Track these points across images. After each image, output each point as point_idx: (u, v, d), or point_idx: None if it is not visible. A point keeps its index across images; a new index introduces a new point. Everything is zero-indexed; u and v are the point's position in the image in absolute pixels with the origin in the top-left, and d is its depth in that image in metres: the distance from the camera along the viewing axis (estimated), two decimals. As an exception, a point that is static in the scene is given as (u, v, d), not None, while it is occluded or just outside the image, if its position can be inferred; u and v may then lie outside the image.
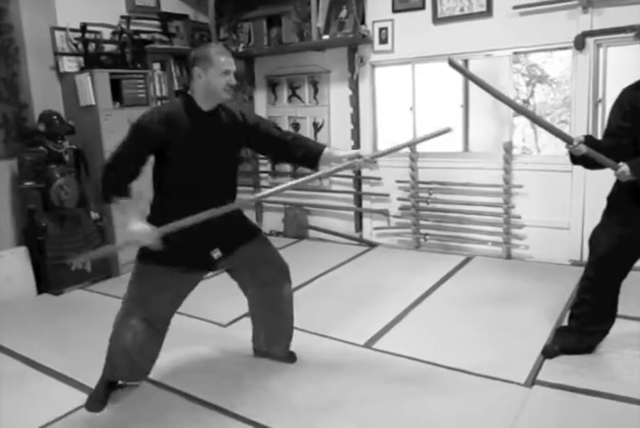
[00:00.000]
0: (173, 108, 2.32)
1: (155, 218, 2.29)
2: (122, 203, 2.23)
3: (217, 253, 2.42)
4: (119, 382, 2.58)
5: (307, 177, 2.41)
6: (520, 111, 2.63)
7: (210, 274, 2.68)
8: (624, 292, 2.67)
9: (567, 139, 2.42)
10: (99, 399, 2.49)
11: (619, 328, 2.76)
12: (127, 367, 2.46)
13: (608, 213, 2.64)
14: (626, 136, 2.47)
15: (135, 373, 2.53)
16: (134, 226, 2.18)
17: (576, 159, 2.50)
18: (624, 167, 2.38)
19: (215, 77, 2.25)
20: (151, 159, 2.32)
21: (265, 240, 2.67)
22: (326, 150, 2.47)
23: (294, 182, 2.48)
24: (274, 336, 2.79)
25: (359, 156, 2.38)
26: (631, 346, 2.77)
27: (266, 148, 2.57)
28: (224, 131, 2.38)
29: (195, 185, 2.33)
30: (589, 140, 2.45)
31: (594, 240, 2.64)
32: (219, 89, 2.27)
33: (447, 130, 2.38)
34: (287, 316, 2.77)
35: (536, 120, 2.58)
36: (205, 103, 2.32)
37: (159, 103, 4.73)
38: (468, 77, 2.48)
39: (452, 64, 2.40)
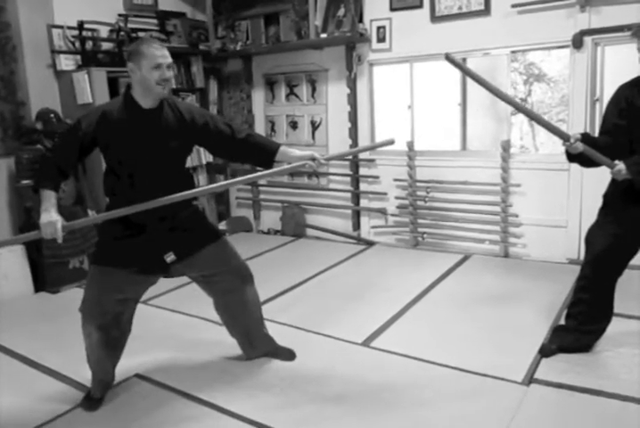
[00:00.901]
0: (112, 105, 2.30)
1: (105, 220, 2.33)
2: (43, 194, 2.18)
3: (170, 257, 2.36)
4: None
5: (255, 175, 2.43)
6: (517, 107, 2.62)
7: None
8: (620, 291, 2.68)
9: (564, 136, 2.42)
10: (93, 398, 2.48)
11: (615, 327, 2.77)
12: (95, 373, 2.49)
13: (603, 212, 2.64)
14: (621, 135, 2.48)
15: (101, 382, 2.51)
16: (42, 217, 2.14)
17: (572, 156, 2.50)
18: (620, 165, 2.38)
19: (148, 71, 2.18)
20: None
21: (221, 243, 2.53)
22: (282, 149, 2.39)
23: (237, 179, 2.51)
24: (250, 340, 2.76)
25: (313, 158, 2.34)
26: (628, 345, 2.78)
27: (218, 148, 2.46)
28: (164, 129, 2.29)
29: (133, 185, 2.28)
30: (586, 137, 2.45)
31: (590, 239, 2.65)
32: (152, 84, 2.19)
33: (391, 141, 2.46)
34: (256, 319, 2.74)
35: (533, 117, 2.59)
36: (144, 100, 2.25)
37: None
38: (465, 72, 2.49)
39: (449, 59, 2.40)
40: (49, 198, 2.17)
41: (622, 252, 2.58)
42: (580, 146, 2.38)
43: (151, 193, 2.24)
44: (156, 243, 2.34)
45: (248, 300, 2.64)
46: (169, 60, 2.25)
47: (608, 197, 2.63)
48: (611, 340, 2.77)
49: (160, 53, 2.21)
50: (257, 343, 2.78)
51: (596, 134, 2.66)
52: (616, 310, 2.70)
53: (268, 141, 2.48)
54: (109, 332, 2.39)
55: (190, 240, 2.42)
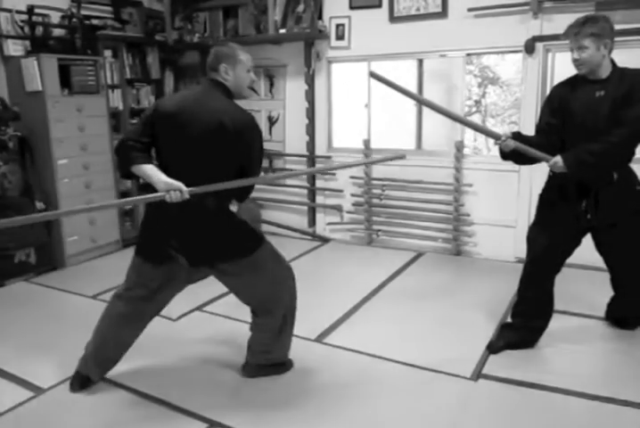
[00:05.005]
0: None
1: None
2: (143, 170, 2.20)
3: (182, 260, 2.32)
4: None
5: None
6: (447, 115, 2.69)
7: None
8: (558, 289, 2.79)
9: (495, 136, 2.52)
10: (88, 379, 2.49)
11: (555, 323, 2.88)
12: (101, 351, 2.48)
13: (540, 210, 2.75)
14: (554, 133, 2.58)
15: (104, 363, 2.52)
16: (164, 183, 2.14)
17: (506, 154, 2.59)
18: (557, 158, 2.47)
19: (243, 73, 2.30)
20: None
21: (247, 267, 2.49)
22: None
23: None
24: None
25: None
26: (569, 340, 2.89)
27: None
28: None
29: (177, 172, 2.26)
30: (518, 136, 2.56)
31: (530, 238, 2.75)
32: (245, 86, 2.33)
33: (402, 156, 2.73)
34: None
35: (461, 121, 2.66)
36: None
37: (109, 91, 4.59)
38: (390, 86, 2.57)
39: (373, 76, 2.52)
40: (153, 169, 2.18)
41: (559, 250, 2.68)
42: (512, 143, 2.48)
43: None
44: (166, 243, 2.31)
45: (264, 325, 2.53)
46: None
47: (544, 196, 2.73)
48: (553, 336, 2.88)
49: (250, 58, 2.34)
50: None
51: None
52: (555, 307, 2.82)
53: None
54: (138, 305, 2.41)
55: (206, 249, 2.40)
